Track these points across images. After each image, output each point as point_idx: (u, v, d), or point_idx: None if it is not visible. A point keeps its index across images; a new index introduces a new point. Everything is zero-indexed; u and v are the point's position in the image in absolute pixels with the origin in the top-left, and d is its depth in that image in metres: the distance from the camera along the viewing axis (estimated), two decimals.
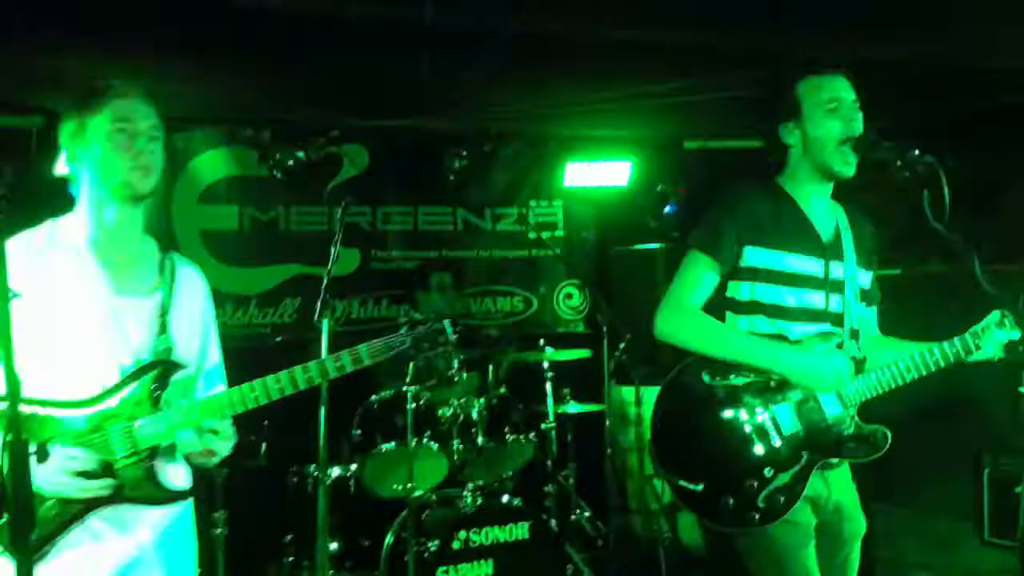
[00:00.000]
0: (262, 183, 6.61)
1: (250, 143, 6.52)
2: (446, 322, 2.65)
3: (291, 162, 6.46)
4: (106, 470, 2.40)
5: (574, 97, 5.91)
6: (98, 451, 2.40)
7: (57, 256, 2.50)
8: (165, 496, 2.51)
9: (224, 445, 2.52)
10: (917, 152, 2.85)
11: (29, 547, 1.90)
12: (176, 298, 2.62)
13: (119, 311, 2.51)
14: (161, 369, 2.51)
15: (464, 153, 6.99)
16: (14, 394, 1.92)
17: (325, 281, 4.67)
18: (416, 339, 2.62)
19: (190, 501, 2.67)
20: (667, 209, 7.18)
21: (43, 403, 2.39)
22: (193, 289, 2.72)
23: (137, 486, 2.45)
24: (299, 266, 6.68)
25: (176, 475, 2.61)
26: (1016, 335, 2.99)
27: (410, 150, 7.01)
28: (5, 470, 1.89)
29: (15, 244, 2.47)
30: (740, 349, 3.02)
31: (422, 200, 7.16)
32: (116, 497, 2.42)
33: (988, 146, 6.13)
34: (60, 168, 5.48)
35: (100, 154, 2.54)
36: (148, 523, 2.52)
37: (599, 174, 7.35)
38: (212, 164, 6.53)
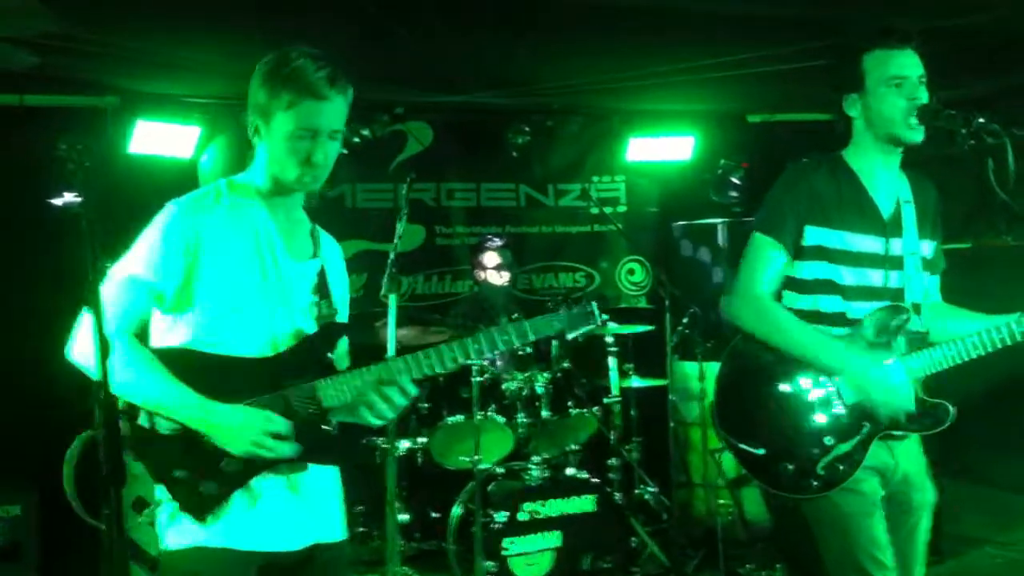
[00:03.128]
0: None
1: None
2: (594, 304, 2.69)
3: (356, 139, 6.54)
4: (294, 432, 2.45)
5: (637, 71, 5.91)
6: (284, 412, 2.46)
7: (236, 215, 2.53)
8: (342, 456, 2.58)
9: (403, 400, 2.54)
10: (982, 120, 2.83)
11: (120, 501, 1.96)
12: (328, 266, 2.67)
13: (291, 273, 2.56)
14: (335, 332, 2.59)
15: (527, 129, 7.04)
16: (104, 357, 1.99)
17: (391, 257, 4.76)
18: (571, 319, 2.66)
19: None
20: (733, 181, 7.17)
21: (220, 356, 2.45)
22: (338, 260, 2.77)
23: (316, 447, 2.49)
24: (365, 242, 6.77)
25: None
26: None
27: (473, 126, 7.07)
28: (98, 428, 1.96)
29: (186, 203, 2.52)
30: (807, 349, 3.02)
31: (485, 176, 7.21)
32: (299, 458, 2.47)
33: None
34: (135, 146, 5.65)
35: (276, 151, 2.51)
36: (309, 480, 2.55)
37: (662, 149, 7.34)
38: None
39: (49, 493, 2.44)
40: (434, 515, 5.53)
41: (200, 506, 2.39)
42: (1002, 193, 2.75)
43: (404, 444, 5.31)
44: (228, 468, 2.40)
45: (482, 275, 6.05)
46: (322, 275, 2.62)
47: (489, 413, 5.20)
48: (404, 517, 5.25)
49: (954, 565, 5.67)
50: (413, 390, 2.54)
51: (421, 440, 5.37)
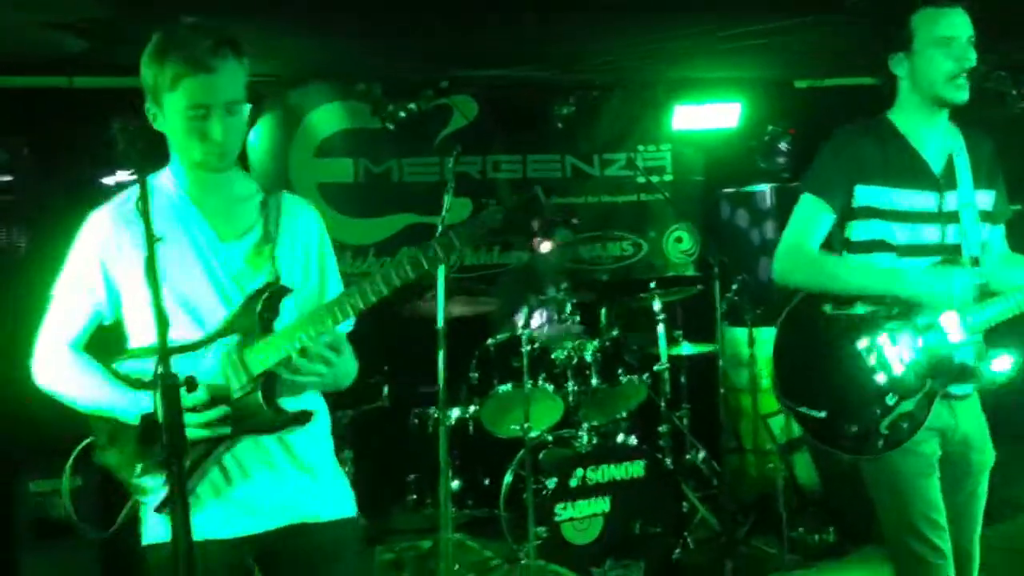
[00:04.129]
0: (375, 136, 6.78)
1: (363, 97, 6.68)
2: (538, 188, 2.52)
3: (403, 114, 6.62)
4: (218, 401, 2.37)
5: (681, 39, 5.88)
6: (213, 388, 2.37)
7: (161, 208, 2.46)
8: (285, 420, 2.43)
9: (344, 361, 2.43)
10: None
11: (184, 478, 2.01)
12: (282, 233, 2.54)
13: (223, 254, 2.48)
14: (268, 294, 2.41)
15: (571, 100, 7.05)
16: (163, 329, 2.03)
17: (439, 229, 4.81)
18: (508, 211, 2.45)
19: (323, 420, 2.62)
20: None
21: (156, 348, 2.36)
22: (304, 225, 2.62)
23: (255, 415, 2.39)
24: (413, 216, 6.85)
25: (301, 400, 2.53)
26: None
27: (518, 98, 7.09)
28: (157, 402, 2.00)
29: (102, 215, 2.50)
30: (860, 281, 3.03)
31: (531, 148, 7.24)
32: (237, 431, 2.39)
33: None
34: None
35: (175, 133, 2.41)
36: (283, 449, 2.50)
37: (708, 116, 7.31)
38: (327, 118, 6.73)
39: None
40: (486, 482, 5.60)
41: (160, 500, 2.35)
42: None
43: (455, 413, 5.38)
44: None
45: (539, 245, 6.05)
46: (263, 244, 2.49)
47: (539, 382, 5.24)
48: (456, 485, 5.33)
49: (1004, 529, 5.60)
50: (338, 343, 2.40)
51: (472, 409, 5.43)
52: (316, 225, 2.66)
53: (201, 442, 2.37)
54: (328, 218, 7.11)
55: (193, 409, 2.32)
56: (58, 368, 2.48)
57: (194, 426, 2.32)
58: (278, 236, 2.53)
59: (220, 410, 2.36)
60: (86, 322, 2.50)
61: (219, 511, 2.42)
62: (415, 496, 5.81)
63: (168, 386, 2.00)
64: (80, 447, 2.51)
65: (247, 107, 2.43)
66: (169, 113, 2.38)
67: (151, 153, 2.25)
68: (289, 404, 2.47)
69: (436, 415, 5.31)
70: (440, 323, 4.72)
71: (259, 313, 2.40)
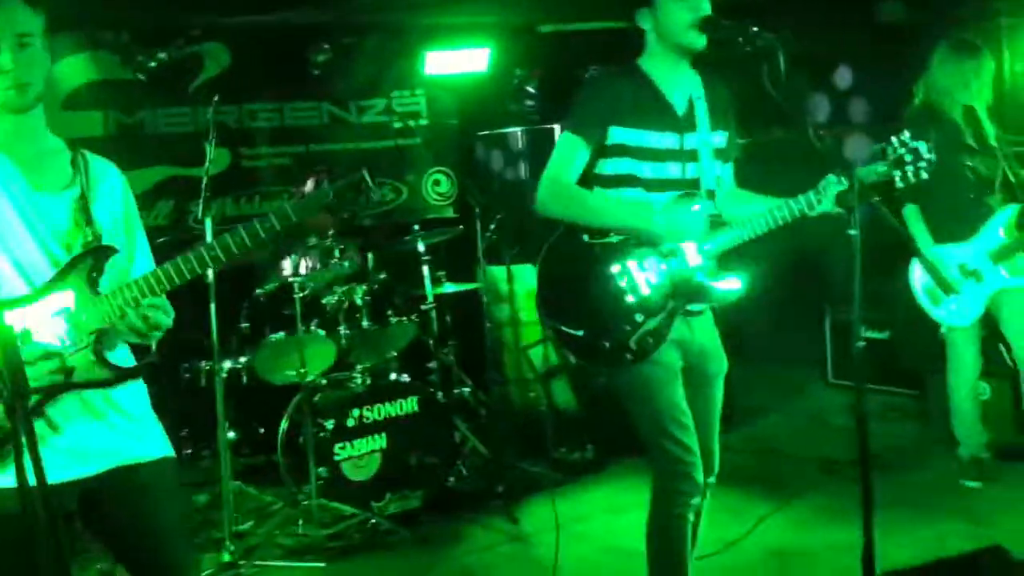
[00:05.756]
0: (125, 86, 6.60)
1: (111, 47, 6.47)
2: (364, 171, 2.63)
3: (153, 64, 6.46)
4: (51, 355, 2.43)
5: None
6: (46, 346, 2.43)
7: None
8: (116, 376, 2.52)
9: (165, 319, 2.53)
10: (756, 29, 3.15)
11: (27, 422, 1.99)
12: (94, 192, 2.60)
13: (42, 207, 2.51)
14: (95, 255, 2.51)
15: (327, 47, 7.06)
16: None
17: (204, 181, 4.81)
18: (338, 192, 2.60)
19: (139, 380, 2.69)
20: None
21: None
22: (110, 183, 2.68)
23: (87, 371, 2.47)
24: (169, 168, 6.73)
25: (122, 355, 2.64)
26: (845, 186, 3.30)
27: (272, 46, 7.04)
28: None
29: None
30: (611, 214, 3.33)
31: (288, 96, 7.24)
32: (68, 384, 2.46)
33: (822, 23, 6.58)
34: None
35: None
36: (107, 403, 2.56)
37: (459, 62, 7.51)
38: (73, 70, 6.45)
39: None
40: (261, 430, 5.67)
41: None
42: (774, 93, 3.06)
43: (228, 364, 5.36)
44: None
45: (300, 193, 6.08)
46: (83, 202, 2.56)
47: (311, 328, 5.33)
48: (232, 435, 5.36)
49: (742, 433, 6.27)
50: (164, 304, 2.53)
51: (244, 359, 5.45)
52: (121, 185, 2.72)
53: (33, 393, 2.39)
54: None
55: (27, 363, 2.33)
56: None
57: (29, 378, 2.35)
58: (91, 195, 2.59)
59: (52, 363, 2.42)
60: None
61: (44, 458, 2.41)
62: (189, 451, 5.80)
63: (4, 332, 1.99)
64: None
65: (42, 42, 2.48)
66: None
67: None
68: (115, 359, 2.55)
69: (208, 367, 5.32)
70: (210, 276, 4.74)
71: (88, 273, 2.48)
